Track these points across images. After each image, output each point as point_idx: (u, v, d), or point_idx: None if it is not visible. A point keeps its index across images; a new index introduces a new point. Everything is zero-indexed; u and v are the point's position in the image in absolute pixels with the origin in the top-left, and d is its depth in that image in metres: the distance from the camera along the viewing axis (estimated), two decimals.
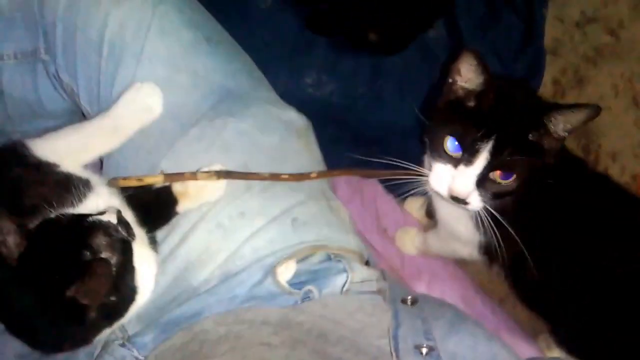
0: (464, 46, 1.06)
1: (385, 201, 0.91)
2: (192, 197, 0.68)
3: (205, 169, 0.66)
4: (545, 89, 1.12)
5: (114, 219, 0.59)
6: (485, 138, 0.66)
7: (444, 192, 0.71)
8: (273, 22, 1.09)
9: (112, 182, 0.64)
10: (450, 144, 0.69)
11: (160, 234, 0.69)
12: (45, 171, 0.65)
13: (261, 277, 0.64)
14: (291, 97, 0.81)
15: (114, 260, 0.59)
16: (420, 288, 0.87)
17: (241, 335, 0.58)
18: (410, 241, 0.91)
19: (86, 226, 0.59)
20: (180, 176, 0.64)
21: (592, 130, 1.10)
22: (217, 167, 0.67)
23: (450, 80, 0.72)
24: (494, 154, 0.66)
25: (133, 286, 0.61)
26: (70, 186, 0.63)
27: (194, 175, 0.65)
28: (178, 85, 0.71)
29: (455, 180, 0.69)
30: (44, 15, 0.72)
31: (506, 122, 0.67)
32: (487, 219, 0.69)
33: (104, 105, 0.72)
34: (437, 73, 1.07)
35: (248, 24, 1.05)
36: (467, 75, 0.69)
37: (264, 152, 0.71)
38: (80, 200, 0.62)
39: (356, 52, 1.07)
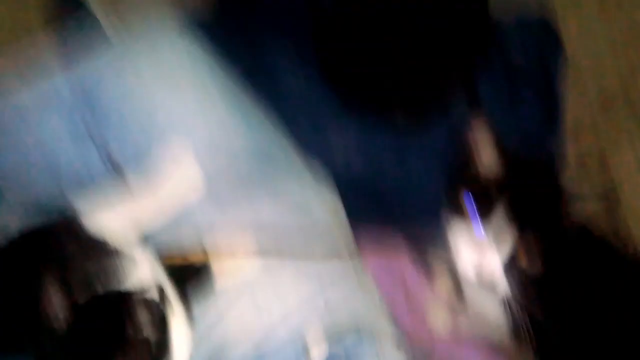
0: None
1: (416, 280, 0.92)
2: (229, 274, 0.71)
3: (244, 247, 0.70)
4: (569, 170, 1.14)
5: (157, 297, 0.62)
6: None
7: (470, 273, 0.72)
8: (305, 97, 1.14)
9: (157, 258, 0.68)
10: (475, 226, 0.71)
11: (197, 310, 0.72)
12: (95, 246, 0.69)
13: (294, 356, 0.66)
14: (320, 171, 0.86)
15: (153, 338, 0.61)
16: None
17: None
18: (441, 322, 0.91)
19: (130, 303, 0.62)
20: (220, 255, 0.68)
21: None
22: (255, 245, 0.71)
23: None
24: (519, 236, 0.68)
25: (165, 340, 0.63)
26: (117, 261, 0.67)
27: (233, 253, 0.68)
28: (217, 163, 0.76)
29: (482, 262, 0.70)
30: (100, 99, 0.79)
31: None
32: (516, 304, 0.70)
33: (146, 178, 0.77)
34: (463, 149, 1.11)
35: (282, 98, 1.11)
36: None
37: (298, 231, 0.75)
38: (126, 275, 0.66)
39: (385, 130, 1.11)
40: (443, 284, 0.94)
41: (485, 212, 0.70)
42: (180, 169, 0.75)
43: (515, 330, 0.75)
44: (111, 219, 0.74)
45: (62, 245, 0.71)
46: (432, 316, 0.92)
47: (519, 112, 1.15)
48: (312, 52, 1.15)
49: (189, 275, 0.72)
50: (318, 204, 0.79)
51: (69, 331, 0.61)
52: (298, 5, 1.18)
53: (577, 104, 1.20)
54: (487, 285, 0.70)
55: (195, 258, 0.68)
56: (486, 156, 0.72)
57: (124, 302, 0.62)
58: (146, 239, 0.76)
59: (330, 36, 1.15)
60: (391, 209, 1.06)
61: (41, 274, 0.68)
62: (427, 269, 0.89)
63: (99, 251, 0.69)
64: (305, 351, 0.66)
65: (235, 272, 0.70)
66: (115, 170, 0.82)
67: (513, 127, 1.13)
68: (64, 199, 0.85)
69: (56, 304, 0.61)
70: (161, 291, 0.64)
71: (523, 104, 1.15)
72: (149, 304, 0.62)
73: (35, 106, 0.82)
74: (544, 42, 1.24)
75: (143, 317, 0.61)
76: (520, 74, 1.18)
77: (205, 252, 0.69)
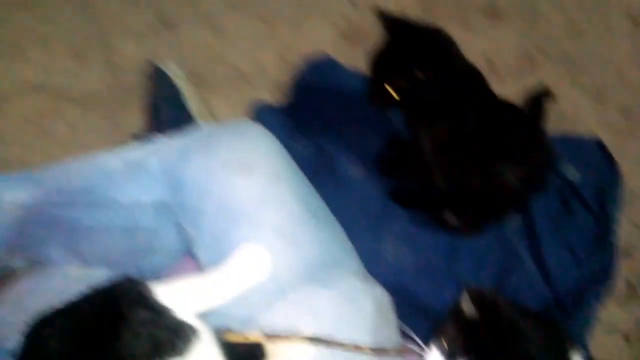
0: (538, 239, 1.15)
1: None
2: (281, 356, 0.74)
3: (299, 334, 0.73)
4: (619, 290, 1.15)
5: None
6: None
7: None
8: (362, 191, 1.21)
9: (220, 332, 0.72)
10: None
11: None
12: (162, 315, 0.74)
13: None
14: (369, 261, 0.90)
15: None
16: None
17: None
18: None
19: None
20: (277, 338, 0.71)
21: None
22: (308, 333, 0.74)
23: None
24: None
25: None
26: (181, 332, 0.71)
27: (289, 338, 0.71)
28: (282, 251, 0.81)
29: None
30: (182, 177, 0.86)
31: None
32: None
33: (217, 258, 0.82)
34: (512, 258, 1.14)
35: (340, 191, 1.17)
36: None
37: (349, 324, 0.78)
38: (188, 348, 0.70)
39: (436, 228, 1.15)
40: None
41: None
42: (249, 252, 0.80)
43: None
44: (178, 291, 0.78)
45: (127, 307, 0.75)
46: None
47: (569, 225, 1.17)
48: (373, 160, 1.24)
49: (243, 350, 0.75)
50: (369, 300, 0.82)
51: None
52: (367, 117, 1.28)
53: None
54: None
55: (254, 339, 0.72)
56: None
57: None
58: (209, 314, 0.81)
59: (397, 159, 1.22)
60: (434, 303, 1.08)
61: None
62: None
63: (163, 319, 0.74)
64: None
65: (288, 355, 0.73)
66: (187, 245, 0.88)
67: (560, 239, 1.16)
68: (136, 263, 0.91)
69: None
70: None
71: (573, 217, 1.18)
72: None
73: (123, 172, 0.91)
74: (600, 163, 1.29)
75: None
76: (573, 190, 1.22)
77: (262, 333, 0.72)
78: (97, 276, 0.90)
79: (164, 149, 0.90)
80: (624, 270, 1.16)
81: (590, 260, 1.14)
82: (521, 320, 0.73)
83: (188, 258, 0.93)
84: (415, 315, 1.05)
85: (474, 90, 1.04)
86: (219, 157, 0.85)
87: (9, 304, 0.88)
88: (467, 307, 0.74)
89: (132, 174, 0.89)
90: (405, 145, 1.21)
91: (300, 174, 0.90)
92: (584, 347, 0.79)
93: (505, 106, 1.05)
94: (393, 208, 1.20)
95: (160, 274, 0.92)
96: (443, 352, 0.75)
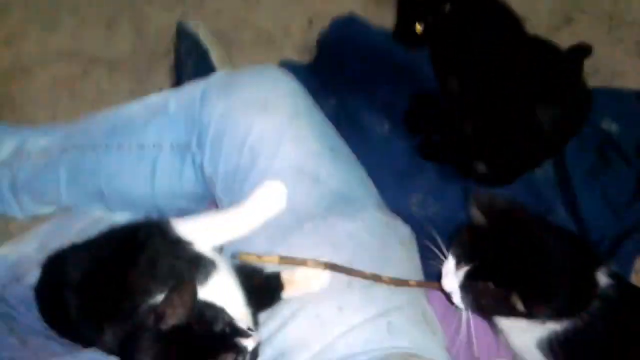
0: (572, 190, 1.10)
1: (479, 325, 0.89)
2: (297, 285, 0.73)
3: (315, 259, 0.72)
4: None
5: (251, 346, 0.63)
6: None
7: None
8: (387, 146, 1.18)
9: (235, 255, 0.71)
10: None
11: (262, 316, 0.74)
12: (181, 248, 0.74)
13: None
14: (396, 213, 0.88)
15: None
16: None
17: None
18: None
19: (228, 340, 0.63)
20: (292, 260, 0.71)
21: None
22: (326, 259, 0.73)
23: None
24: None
25: None
26: (199, 264, 0.72)
27: (304, 262, 0.70)
28: (300, 185, 0.80)
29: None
30: (202, 117, 0.86)
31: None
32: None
33: (236, 196, 0.82)
34: (543, 209, 1.09)
35: (365, 144, 1.15)
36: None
37: (368, 254, 0.76)
38: (206, 279, 0.70)
39: (463, 180, 1.12)
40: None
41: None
42: (268, 187, 0.79)
43: None
44: (197, 225, 0.79)
45: (151, 241, 0.76)
46: None
47: (606, 177, 1.12)
48: (398, 112, 1.21)
49: (259, 281, 0.75)
50: (392, 235, 0.80)
51: (172, 330, 0.61)
52: (391, 73, 1.26)
53: None
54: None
55: (269, 259, 0.71)
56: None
57: (223, 335, 0.63)
58: (226, 247, 0.81)
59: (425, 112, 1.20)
60: None
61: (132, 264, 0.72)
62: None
63: (184, 252, 0.74)
64: None
65: (304, 283, 0.72)
66: (205, 181, 0.88)
67: (597, 191, 1.10)
68: (159, 208, 0.92)
69: (178, 304, 0.61)
70: (258, 344, 0.65)
71: (609, 169, 1.13)
72: (239, 350, 0.62)
73: (144, 115, 0.91)
74: (638, 115, 1.22)
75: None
76: (609, 141, 1.16)
77: (278, 257, 0.71)
78: (119, 219, 0.92)
79: (184, 91, 0.91)
80: None
81: (629, 212, 1.09)
82: (539, 231, 0.70)
83: (212, 204, 0.93)
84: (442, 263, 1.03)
85: (505, 27, 1.00)
86: (238, 96, 0.85)
87: (34, 241, 0.90)
88: (475, 214, 0.72)
89: (153, 116, 0.90)
90: (432, 99, 1.18)
91: (320, 113, 0.89)
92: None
93: (541, 45, 1.00)
94: (419, 163, 1.17)
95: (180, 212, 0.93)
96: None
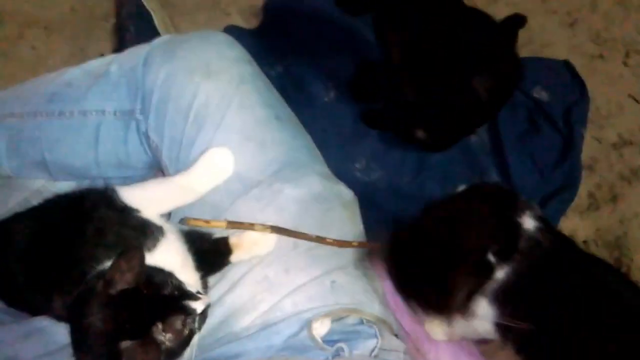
0: (504, 154, 1.17)
1: None
2: (245, 249, 0.76)
3: (262, 223, 0.75)
4: (580, 201, 1.18)
5: (200, 309, 0.64)
6: None
7: None
8: (332, 113, 1.21)
9: (183, 221, 0.73)
10: None
11: (211, 280, 0.77)
12: (128, 215, 0.75)
13: (297, 329, 0.70)
14: (340, 178, 0.91)
15: (174, 343, 0.63)
16: None
17: None
18: (439, 326, 0.94)
19: (176, 302, 0.64)
20: (239, 224, 0.73)
21: (626, 245, 1.15)
22: (272, 223, 0.76)
23: None
24: None
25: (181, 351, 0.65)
26: (147, 231, 0.72)
27: (251, 226, 0.73)
28: (247, 151, 0.81)
29: None
30: (145, 83, 0.85)
31: None
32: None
33: (182, 163, 0.83)
34: (478, 173, 1.16)
35: (311, 111, 1.18)
36: None
37: (313, 218, 0.79)
38: (154, 245, 0.71)
39: (404, 146, 1.17)
40: None
41: None
42: (214, 154, 0.80)
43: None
44: (143, 192, 0.79)
45: (96, 210, 0.76)
46: (427, 322, 0.94)
47: (535, 142, 1.20)
48: (343, 80, 1.24)
49: (207, 245, 0.77)
50: (335, 199, 0.84)
51: (120, 294, 0.62)
52: (336, 40, 1.27)
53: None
54: None
55: (217, 224, 0.73)
56: None
57: (172, 298, 0.64)
58: (172, 213, 0.82)
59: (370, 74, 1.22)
60: (403, 216, 1.11)
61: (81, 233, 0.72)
62: None
63: (130, 219, 0.74)
64: (308, 325, 0.69)
65: (251, 246, 0.75)
66: (151, 149, 0.88)
67: (526, 155, 1.18)
68: (104, 176, 0.91)
69: (125, 269, 0.61)
70: (207, 308, 0.65)
71: (538, 135, 1.20)
72: (188, 312, 0.63)
73: (84, 80, 0.89)
74: (568, 83, 1.30)
75: (177, 323, 0.62)
76: (541, 108, 1.24)
77: (226, 221, 0.74)
78: (63, 188, 0.91)
79: (126, 56, 0.89)
80: (586, 182, 1.19)
81: (554, 174, 1.17)
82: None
83: (159, 173, 0.94)
84: (384, 225, 1.08)
85: None
86: (182, 62, 0.85)
87: None
88: None
89: (94, 82, 0.88)
90: (376, 67, 1.21)
91: (265, 80, 0.90)
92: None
93: (477, 15, 1.05)
94: (363, 130, 1.21)
95: (126, 180, 0.93)
96: None
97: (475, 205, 0.76)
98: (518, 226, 0.74)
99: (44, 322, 0.72)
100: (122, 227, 0.73)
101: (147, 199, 0.78)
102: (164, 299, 0.64)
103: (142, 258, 0.63)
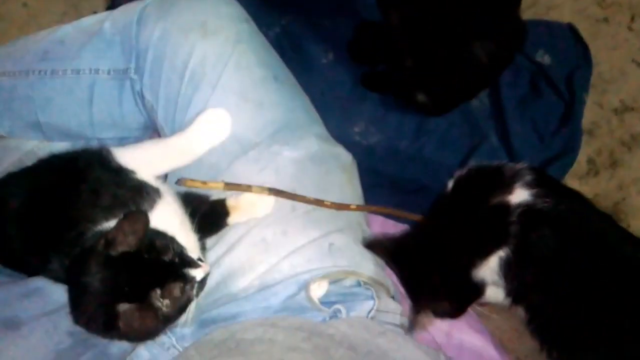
0: (505, 119, 1.15)
1: None
2: (242, 211, 0.75)
3: (259, 185, 0.74)
4: (580, 167, 1.18)
5: (199, 277, 0.65)
6: None
7: None
8: (331, 75, 1.19)
9: (180, 181, 0.72)
10: None
11: (209, 241, 0.77)
12: (123, 176, 0.74)
13: (295, 291, 0.70)
14: (339, 141, 0.90)
15: (171, 310, 0.63)
16: (440, 335, 0.90)
17: (276, 338, 0.63)
18: None
19: (176, 269, 0.64)
20: (237, 186, 0.72)
21: (624, 211, 1.15)
22: (270, 184, 0.75)
23: None
24: None
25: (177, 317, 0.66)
26: (143, 192, 0.71)
27: (249, 188, 0.72)
28: (244, 112, 0.80)
29: None
30: (139, 41, 0.83)
31: None
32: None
33: (178, 124, 0.81)
34: (478, 138, 1.15)
35: (309, 73, 1.16)
36: None
37: (311, 180, 0.79)
38: (151, 207, 0.70)
39: (403, 109, 1.15)
40: None
41: None
42: (210, 114, 0.79)
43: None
44: (139, 154, 0.78)
45: (92, 170, 0.75)
46: None
47: (536, 106, 1.18)
48: (342, 41, 1.21)
49: (205, 207, 0.76)
50: (334, 161, 0.83)
51: (121, 255, 0.62)
52: (337, 4, 1.24)
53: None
54: None
55: (214, 185, 0.72)
56: None
57: (173, 264, 0.64)
58: (171, 173, 0.81)
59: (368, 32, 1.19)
60: (401, 180, 1.11)
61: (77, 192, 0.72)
62: None
63: (126, 181, 0.74)
64: (306, 286, 0.69)
65: (249, 208, 0.74)
66: (146, 109, 0.87)
67: (527, 119, 1.17)
68: (98, 136, 0.90)
69: (129, 231, 0.61)
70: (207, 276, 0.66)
71: (540, 100, 1.19)
72: (187, 280, 0.64)
73: (76, 38, 0.87)
74: (571, 47, 1.27)
75: (176, 290, 0.63)
76: (542, 72, 1.22)
77: (223, 182, 0.73)
78: (57, 148, 0.89)
79: (119, 13, 0.87)
80: (586, 147, 1.18)
81: (555, 139, 1.16)
82: None
83: (155, 134, 0.92)
84: (383, 189, 1.08)
85: None
86: (178, 19, 0.82)
87: None
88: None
89: (88, 40, 0.86)
90: (376, 28, 1.18)
91: (263, 39, 0.88)
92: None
93: None
94: (363, 92, 1.19)
95: (121, 140, 0.91)
96: None
97: (457, 208, 0.77)
98: (505, 209, 0.74)
99: (41, 282, 0.72)
100: (118, 188, 0.73)
101: (143, 160, 0.77)
102: (164, 265, 0.64)
103: (147, 222, 0.62)
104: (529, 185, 0.75)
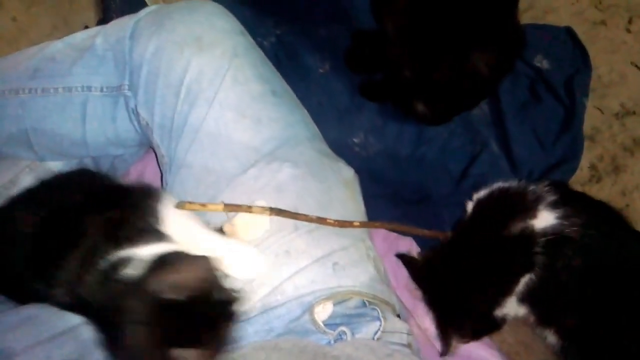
0: (505, 126, 1.14)
1: None
2: (240, 233, 0.73)
3: (260, 205, 0.72)
4: (582, 173, 1.16)
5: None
6: None
7: None
8: (328, 85, 1.17)
9: (179, 205, 0.70)
10: None
11: None
12: (119, 195, 0.71)
13: (299, 313, 0.68)
14: (338, 153, 0.88)
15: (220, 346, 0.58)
16: None
17: None
18: None
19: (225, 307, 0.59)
20: (237, 207, 0.70)
21: (627, 217, 1.13)
22: (271, 204, 0.73)
23: None
24: None
25: None
26: (144, 211, 0.68)
27: (249, 208, 0.70)
28: (242, 129, 0.78)
29: None
30: (133, 57, 0.81)
31: None
32: None
33: (173, 142, 0.79)
34: (479, 145, 1.13)
35: (306, 83, 1.14)
36: None
37: (313, 197, 0.76)
38: (155, 224, 0.66)
39: (403, 118, 1.14)
40: None
41: None
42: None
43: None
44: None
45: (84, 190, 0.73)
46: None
47: (536, 112, 1.17)
48: (339, 51, 1.19)
49: None
50: (335, 177, 0.81)
51: None
52: (331, 8, 1.22)
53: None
54: None
55: (213, 207, 0.70)
56: None
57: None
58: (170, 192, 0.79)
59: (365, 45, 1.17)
60: (402, 191, 1.09)
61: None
62: None
63: (123, 200, 0.71)
64: (310, 309, 0.67)
65: (245, 229, 0.72)
66: (141, 126, 0.84)
67: (527, 126, 1.15)
68: (88, 149, 0.88)
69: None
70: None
71: (539, 105, 1.17)
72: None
73: (68, 56, 0.85)
74: (569, 51, 1.26)
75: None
76: (541, 77, 1.20)
77: (222, 204, 0.71)
78: (50, 169, 0.87)
79: (112, 28, 0.85)
80: (588, 153, 1.17)
81: (556, 145, 1.15)
82: None
83: (150, 152, 0.90)
84: (385, 200, 1.06)
85: None
86: (172, 34, 0.80)
87: None
88: None
89: (79, 56, 0.84)
90: (373, 37, 1.17)
91: (260, 52, 0.86)
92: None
93: None
94: (360, 101, 1.17)
95: (118, 169, 0.90)
96: None
97: (478, 235, 0.75)
98: (529, 237, 0.71)
99: (34, 310, 0.69)
100: (133, 216, 0.69)
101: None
102: (215, 305, 0.58)
103: (208, 270, 0.58)
104: (554, 207, 0.73)
